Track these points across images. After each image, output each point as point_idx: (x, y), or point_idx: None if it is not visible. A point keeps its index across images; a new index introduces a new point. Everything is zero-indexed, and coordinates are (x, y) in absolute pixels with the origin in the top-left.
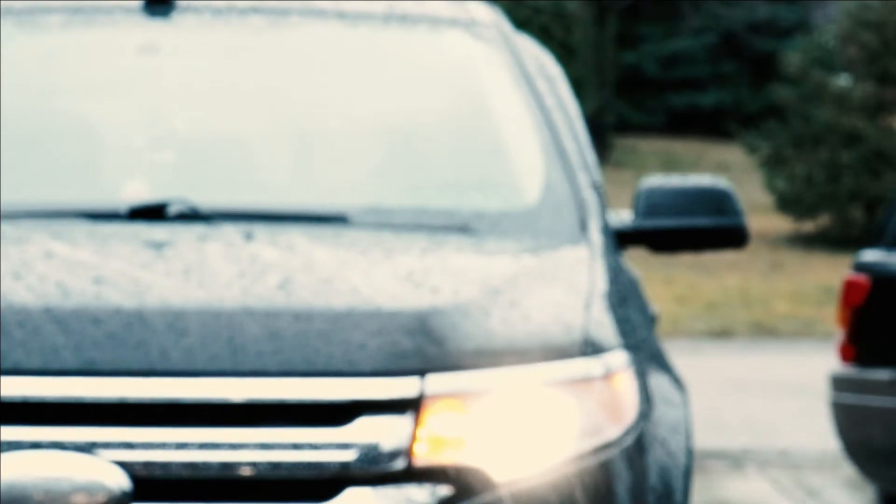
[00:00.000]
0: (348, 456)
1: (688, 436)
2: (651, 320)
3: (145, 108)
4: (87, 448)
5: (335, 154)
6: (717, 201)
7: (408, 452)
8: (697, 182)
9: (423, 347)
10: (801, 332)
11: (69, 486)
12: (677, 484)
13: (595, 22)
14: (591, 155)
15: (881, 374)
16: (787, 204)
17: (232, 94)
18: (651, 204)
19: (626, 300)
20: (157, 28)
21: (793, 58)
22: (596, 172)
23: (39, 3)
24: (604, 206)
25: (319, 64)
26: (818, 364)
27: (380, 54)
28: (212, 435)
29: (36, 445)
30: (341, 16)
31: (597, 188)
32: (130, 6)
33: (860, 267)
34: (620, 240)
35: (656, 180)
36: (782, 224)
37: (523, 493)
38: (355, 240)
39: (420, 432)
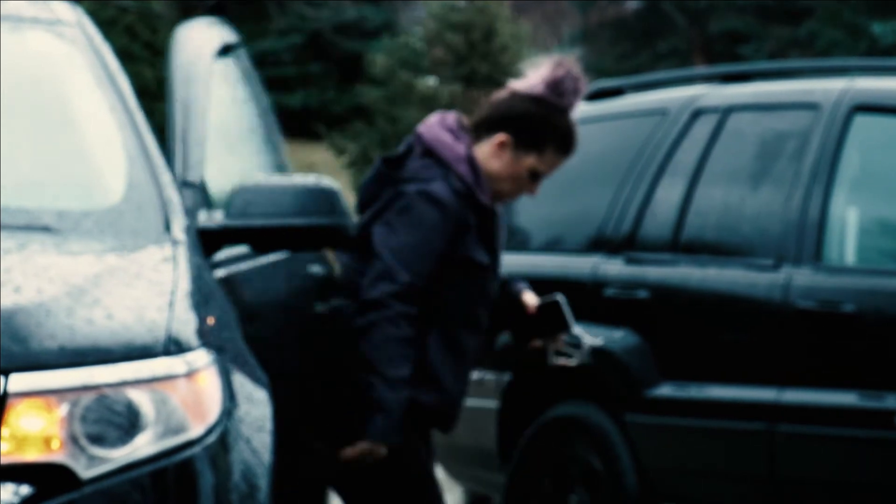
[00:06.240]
0: None
1: (272, 434)
2: (235, 320)
3: None
4: None
5: None
6: (322, 201)
7: None
8: (297, 182)
9: (6, 346)
10: None
11: None
12: (261, 482)
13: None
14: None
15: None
16: None
17: None
18: (246, 203)
19: (209, 300)
20: None
21: (379, 59)
22: (199, 170)
23: None
24: (194, 205)
25: None
26: None
27: None
28: None
29: None
30: None
31: (192, 186)
32: None
33: None
34: (215, 239)
35: (254, 180)
36: None
37: (107, 491)
38: None
39: (3, 431)
